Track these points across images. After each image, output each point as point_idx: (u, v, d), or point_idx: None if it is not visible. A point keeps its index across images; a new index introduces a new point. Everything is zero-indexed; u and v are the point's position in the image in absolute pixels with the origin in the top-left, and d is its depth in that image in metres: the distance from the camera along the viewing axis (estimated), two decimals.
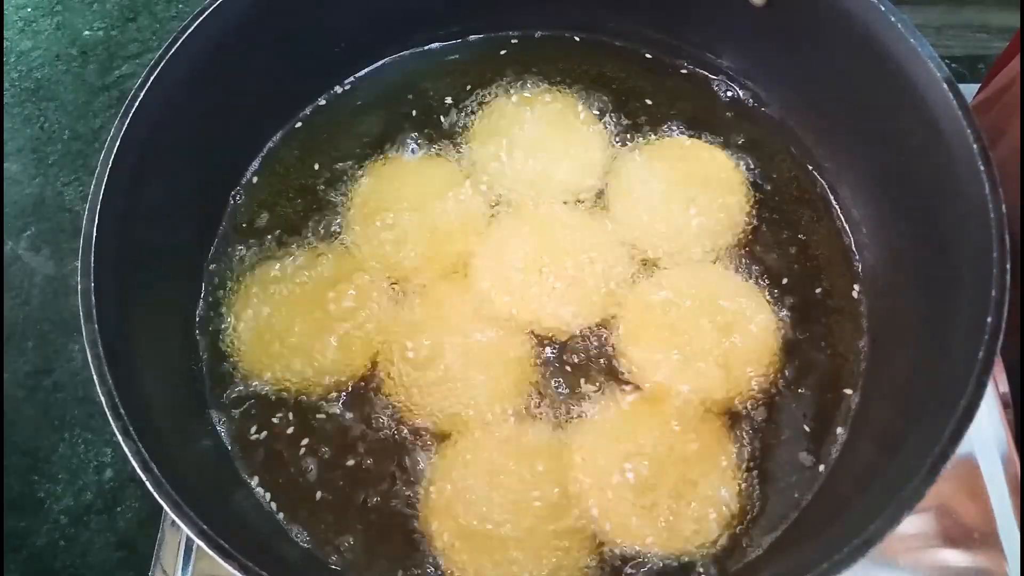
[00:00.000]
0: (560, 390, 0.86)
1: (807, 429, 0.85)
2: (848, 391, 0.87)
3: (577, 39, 1.08)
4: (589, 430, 0.83)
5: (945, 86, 0.77)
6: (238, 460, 0.84)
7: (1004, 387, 0.89)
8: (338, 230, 0.95)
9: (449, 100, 1.04)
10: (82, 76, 2.04)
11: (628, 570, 0.78)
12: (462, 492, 0.80)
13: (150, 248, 0.84)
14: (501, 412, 0.84)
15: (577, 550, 0.78)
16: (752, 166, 0.99)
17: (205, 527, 0.64)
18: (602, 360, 0.88)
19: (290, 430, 0.85)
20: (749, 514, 0.81)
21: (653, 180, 0.96)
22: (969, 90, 1.27)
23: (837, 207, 0.96)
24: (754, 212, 0.96)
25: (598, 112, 1.02)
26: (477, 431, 0.83)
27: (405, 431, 0.84)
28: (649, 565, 0.78)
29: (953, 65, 1.49)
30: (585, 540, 0.79)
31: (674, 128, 1.01)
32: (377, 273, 0.92)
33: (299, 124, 1.03)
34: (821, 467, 0.83)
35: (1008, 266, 0.69)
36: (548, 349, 0.88)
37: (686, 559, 0.79)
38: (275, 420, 0.86)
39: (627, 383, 0.86)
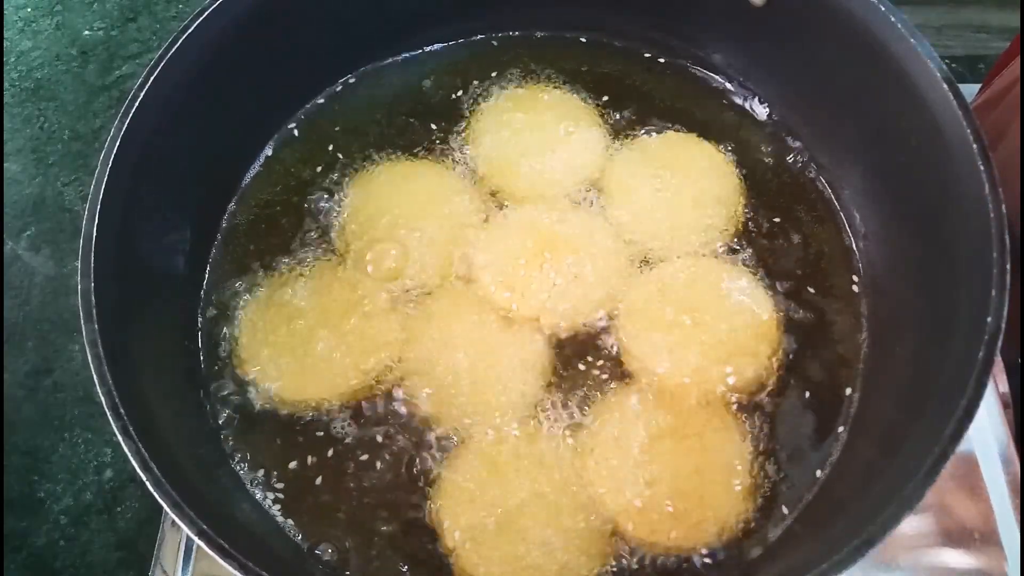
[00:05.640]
0: (567, 388, 0.86)
1: (807, 429, 0.85)
2: (848, 391, 0.87)
3: (577, 39, 1.08)
4: (598, 427, 0.83)
5: (945, 86, 0.77)
6: (239, 460, 0.84)
7: (1004, 387, 0.89)
8: (339, 230, 0.95)
9: (449, 100, 1.04)
10: (82, 76, 2.04)
11: (636, 567, 0.78)
12: (473, 492, 0.80)
13: (150, 248, 0.84)
14: (510, 413, 0.84)
15: (591, 548, 0.78)
16: (752, 165, 0.99)
17: (205, 527, 0.64)
18: (607, 356, 0.88)
19: (292, 431, 0.85)
20: (750, 513, 0.81)
21: (651, 176, 0.96)
22: (969, 90, 1.27)
23: (837, 206, 0.97)
24: (754, 211, 0.96)
25: (598, 111, 1.02)
26: (487, 431, 0.83)
27: (412, 434, 0.84)
28: (655, 564, 0.78)
29: (953, 65, 1.49)
30: (599, 537, 0.79)
31: (673, 127, 1.01)
32: (378, 275, 0.91)
33: (299, 124, 1.03)
34: (821, 467, 0.83)
35: (1008, 266, 0.69)
36: (555, 348, 0.88)
37: (688, 556, 0.79)
38: (276, 420, 0.86)
39: (632, 378, 0.86)
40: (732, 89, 1.04)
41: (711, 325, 0.87)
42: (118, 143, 0.77)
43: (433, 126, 1.02)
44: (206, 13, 0.84)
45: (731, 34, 1.01)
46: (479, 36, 1.09)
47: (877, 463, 0.76)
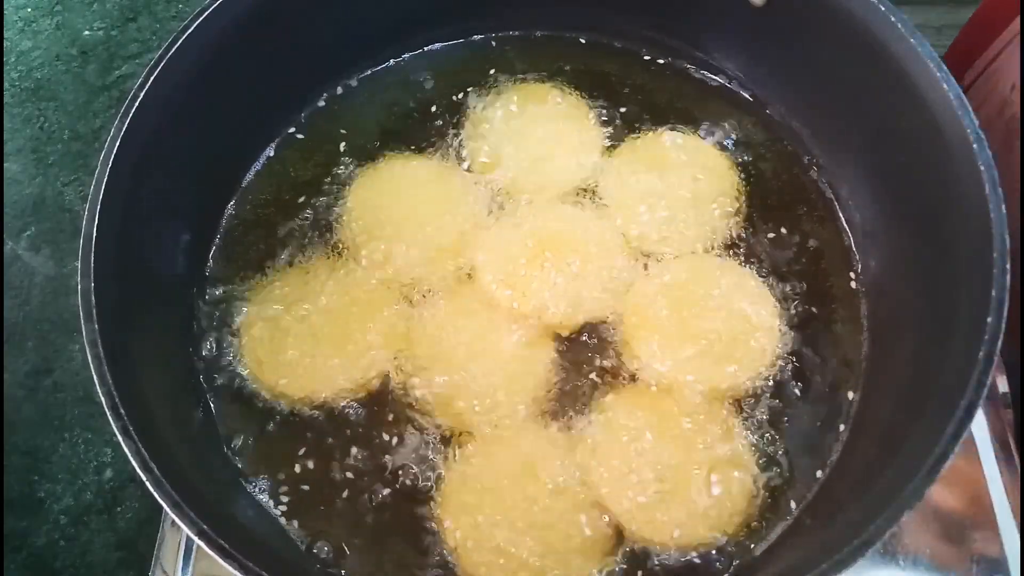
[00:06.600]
0: (569, 387, 0.86)
1: (807, 429, 0.85)
2: (849, 391, 0.87)
3: (577, 39, 1.08)
4: (600, 426, 0.83)
5: (945, 86, 0.77)
6: (239, 460, 0.84)
7: (1004, 387, 0.89)
8: (339, 230, 0.95)
9: (449, 100, 1.04)
10: (82, 76, 2.04)
11: (637, 565, 0.78)
12: (475, 491, 0.80)
13: (150, 248, 0.84)
14: (513, 411, 0.84)
15: (593, 547, 0.78)
16: (752, 165, 0.99)
17: (205, 527, 0.64)
18: (608, 355, 0.88)
19: (292, 430, 0.85)
20: (750, 512, 0.81)
21: (652, 176, 0.96)
22: None
23: (838, 207, 0.97)
24: (754, 211, 0.96)
25: (597, 111, 1.02)
26: (489, 430, 0.83)
27: (413, 433, 0.84)
28: (657, 563, 0.78)
29: None
30: (602, 536, 0.79)
31: (673, 127, 1.01)
32: (379, 274, 0.91)
33: (299, 125, 1.03)
34: (822, 467, 0.83)
35: (1008, 266, 0.69)
36: (556, 347, 0.88)
37: (690, 555, 0.79)
38: (276, 419, 0.86)
39: (633, 376, 0.86)
40: (732, 89, 1.04)
41: (712, 324, 0.87)
42: (118, 143, 0.77)
43: (433, 126, 1.02)
44: (206, 13, 0.84)
45: (731, 34, 1.01)
46: (479, 36, 1.09)
47: (877, 463, 0.76)
